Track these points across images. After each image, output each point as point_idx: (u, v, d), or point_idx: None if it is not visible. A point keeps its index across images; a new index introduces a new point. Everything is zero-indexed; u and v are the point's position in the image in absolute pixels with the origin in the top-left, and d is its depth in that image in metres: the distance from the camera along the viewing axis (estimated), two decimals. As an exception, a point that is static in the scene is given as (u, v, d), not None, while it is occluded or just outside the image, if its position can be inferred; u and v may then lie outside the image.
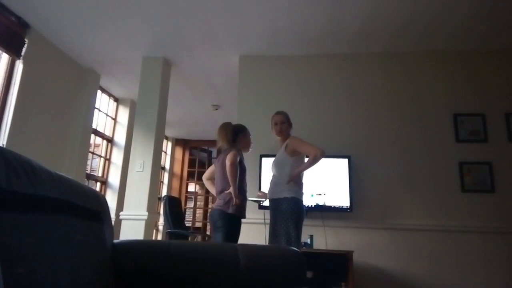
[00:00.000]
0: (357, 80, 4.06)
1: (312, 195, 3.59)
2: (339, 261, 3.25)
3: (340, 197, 3.60)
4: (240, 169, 2.82)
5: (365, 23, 3.58)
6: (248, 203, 2.94)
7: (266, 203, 3.04)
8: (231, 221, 2.75)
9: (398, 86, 3.98)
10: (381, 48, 4.02)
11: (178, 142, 7.73)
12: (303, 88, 4.11)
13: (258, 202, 3.29)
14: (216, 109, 5.81)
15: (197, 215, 7.78)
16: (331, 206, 3.59)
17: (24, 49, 3.74)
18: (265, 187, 3.22)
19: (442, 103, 3.86)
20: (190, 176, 7.85)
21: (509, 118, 3.73)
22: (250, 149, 3.07)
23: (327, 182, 3.65)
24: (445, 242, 3.51)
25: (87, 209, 1.03)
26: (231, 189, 2.74)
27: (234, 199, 2.72)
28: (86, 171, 4.83)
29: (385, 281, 3.49)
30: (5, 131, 3.57)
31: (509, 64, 3.88)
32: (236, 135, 2.93)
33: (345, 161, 3.68)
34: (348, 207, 3.57)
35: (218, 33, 3.84)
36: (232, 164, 2.73)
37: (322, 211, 3.58)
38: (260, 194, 3.14)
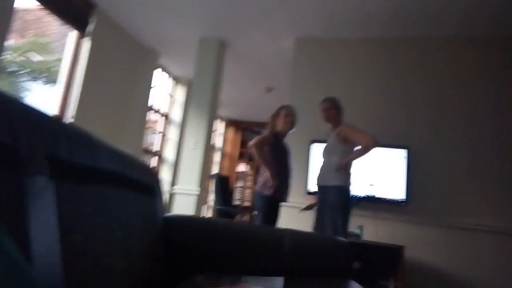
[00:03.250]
0: (419, 68, 3.78)
1: (363, 186, 3.47)
2: (389, 255, 3.15)
3: (394, 189, 3.46)
4: (277, 152, 2.81)
5: (430, 6, 3.30)
6: (292, 188, 2.91)
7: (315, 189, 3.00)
8: (268, 203, 2.76)
9: (465, 75, 3.65)
10: (451, 31, 3.69)
11: (231, 123, 7.85)
12: (359, 74, 3.94)
13: (309, 209, 3.14)
14: (269, 91, 5.78)
15: (246, 194, 7.93)
16: (383, 198, 3.46)
17: (89, 27, 3.96)
18: (314, 173, 3.17)
19: (503, 91, 3.49)
20: (242, 156, 7.98)
21: None
22: (294, 128, 2.97)
23: (381, 173, 3.51)
24: (506, 245, 3.24)
25: (141, 183, 1.07)
26: (268, 171, 2.74)
27: (271, 180, 2.71)
28: (144, 146, 5.08)
29: (437, 281, 3.32)
30: (72, 106, 3.85)
31: None
32: (272, 119, 2.95)
33: (402, 152, 3.49)
34: (404, 200, 3.41)
35: (274, 15, 3.77)
36: (251, 145, 2.74)
37: (373, 202, 3.46)
38: (307, 200, 3.08)
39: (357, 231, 3.27)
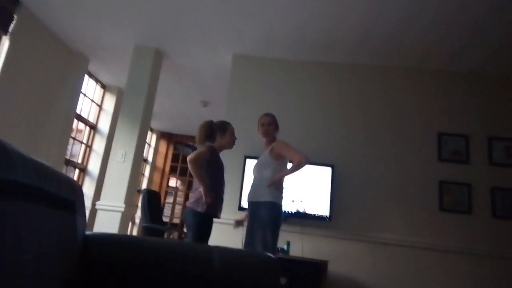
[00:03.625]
0: (349, 91, 4.09)
1: (293, 201, 3.58)
2: (314, 269, 3.26)
3: (320, 205, 3.61)
4: (213, 167, 2.79)
5: (362, 35, 3.61)
6: (225, 203, 2.91)
7: (245, 206, 3.01)
8: (201, 220, 2.71)
9: (386, 100, 4.03)
10: (374, 61, 4.06)
11: (163, 135, 7.65)
12: (294, 93, 4.12)
13: (240, 224, 3.08)
14: (205, 105, 5.77)
15: (176, 210, 7.71)
16: (310, 214, 3.59)
17: (12, 25, 3.63)
18: (247, 189, 3.20)
19: (428, 121, 3.93)
20: (173, 170, 7.77)
21: (491, 141, 3.81)
22: (233, 146, 3.03)
23: (308, 189, 3.65)
24: (421, 259, 3.56)
25: (60, 197, 0.99)
26: (201, 188, 2.70)
27: (204, 197, 2.68)
28: (66, 157, 4.72)
29: (357, 293, 3.51)
30: (-17, 108, 3.46)
31: (495, 89, 3.96)
32: (213, 133, 2.90)
33: (329, 169, 3.69)
34: (328, 216, 3.58)
35: (213, 30, 3.81)
36: (190, 161, 2.69)
37: (301, 217, 3.58)
38: (239, 220, 3.06)
39: (284, 246, 3.34)
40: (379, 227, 3.66)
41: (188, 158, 2.73)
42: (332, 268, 3.37)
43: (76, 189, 1.17)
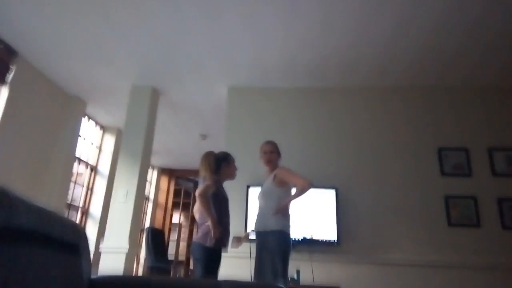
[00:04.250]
0: (344, 114, 4.13)
1: (298, 229, 3.52)
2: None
3: (327, 230, 3.56)
4: (219, 200, 2.79)
5: (350, 59, 3.70)
6: (231, 236, 2.87)
7: (252, 235, 2.96)
8: (210, 254, 2.68)
9: (384, 120, 4.06)
10: (367, 82, 4.13)
11: (163, 172, 7.63)
12: (291, 119, 4.16)
13: (239, 244, 3.02)
14: (204, 138, 5.81)
15: (180, 247, 7.57)
16: (318, 240, 3.54)
17: (10, 76, 3.71)
18: (252, 218, 3.17)
19: (427, 137, 3.94)
20: (175, 206, 7.70)
21: (491, 152, 3.81)
22: (235, 176, 3.04)
23: (314, 215, 3.61)
24: (433, 277, 3.47)
25: (64, 241, 0.98)
26: (209, 222, 2.68)
27: (212, 231, 2.65)
28: (67, 201, 4.69)
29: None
30: (-16, 158, 3.47)
31: (490, 100, 4.01)
32: (218, 165, 2.91)
33: (332, 192, 3.66)
34: (336, 240, 3.52)
35: (207, 64, 3.90)
36: (200, 195, 2.69)
37: (309, 244, 3.52)
38: (237, 237, 3.01)
39: (294, 275, 3.26)
40: (388, 247, 3.60)
41: (197, 193, 2.72)
42: (345, 294, 3.27)
43: (79, 233, 1.15)
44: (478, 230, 3.57)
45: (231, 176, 3.00)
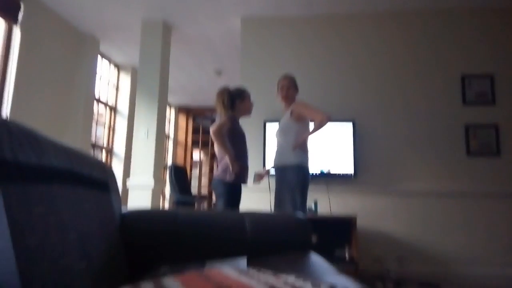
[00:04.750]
0: (364, 41, 3.96)
1: (316, 162, 3.58)
2: (343, 226, 3.31)
3: (344, 163, 3.61)
4: (235, 136, 2.82)
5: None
6: (251, 171, 2.95)
7: (272, 171, 3.04)
8: (230, 189, 2.77)
9: (404, 47, 3.88)
10: (386, 7, 3.87)
11: (181, 110, 7.70)
12: (307, 51, 4.02)
13: (260, 180, 3.08)
14: (219, 74, 5.73)
15: (202, 182, 7.90)
16: (335, 174, 3.61)
17: (20, 14, 3.64)
18: (270, 154, 3.23)
19: (450, 64, 3.78)
20: (195, 144, 7.89)
21: (519, 80, 3.65)
22: (251, 112, 3.03)
23: (331, 148, 3.64)
24: (450, 206, 3.55)
25: (94, 178, 1.03)
26: (227, 157, 2.74)
27: (230, 167, 2.72)
28: (91, 141, 4.85)
29: (388, 245, 3.56)
30: (7, 101, 3.56)
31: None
32: (233, 101, 2.89)
33: (350, 125, 3.65)
34: (352, 174, 3.58)
35: (219, -5, 3.71)
36: (214, 132, 2.71)
37: (327, 177, 3.60)
38: (259, 173, 3.07)
39: (312, 206, 3.40)
40: (406, 178, 3.65)
41: (211, 130, 2.76)
42: (361, 223, 3.42)
43: (107, 170, 1.21)
44: (498, 159, 3.56)
45: (247, 112, 2.99)
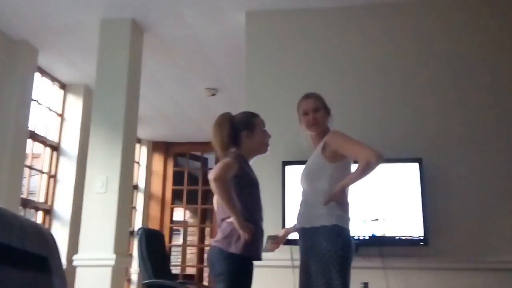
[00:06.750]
0: (426, 38, 4.02)
1: (364, 221, 3.54)
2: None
3: (408, 222, 3.58)
4: (245, 185, 2.81)
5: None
6: (264, 236, 2.91)
7: (295, 235, 3.00)
8: (236, 264, 2.71)
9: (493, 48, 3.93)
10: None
11: (157, 147, 7.77)
12: (344, 54, 4.09)
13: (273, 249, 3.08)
14: (213, 94, 5.82)
15: (188, 256, 7.83)
16: (395, 237, 3.56)
17: None
18: (292, 210, 3.19)
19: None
20: (177, 197, 7.88)
21: None
22: (268, 149, 3.03)
23: (387, 200, 3.62)
24: None
25: (28, 254, 1.01)
26: (232, 218, 2.71)
27: (239, 230, 2.68)
28: (21, 195, 4.86)
29: None
30: None
31: None
32: (237, 133, 2.90)
33: (415, 166, 3.64)
34: (422, 237, 3.53)
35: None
36: (217, 179, 2.66)
37: (381, 245, 3.55)
38: (273, 236, 3.06)
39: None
40: (500, 246, 3.60)
41: (211, 176, 2.71)
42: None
43: (48, 241, 1.19)
44: None
45: (260, 148, 2.98)
